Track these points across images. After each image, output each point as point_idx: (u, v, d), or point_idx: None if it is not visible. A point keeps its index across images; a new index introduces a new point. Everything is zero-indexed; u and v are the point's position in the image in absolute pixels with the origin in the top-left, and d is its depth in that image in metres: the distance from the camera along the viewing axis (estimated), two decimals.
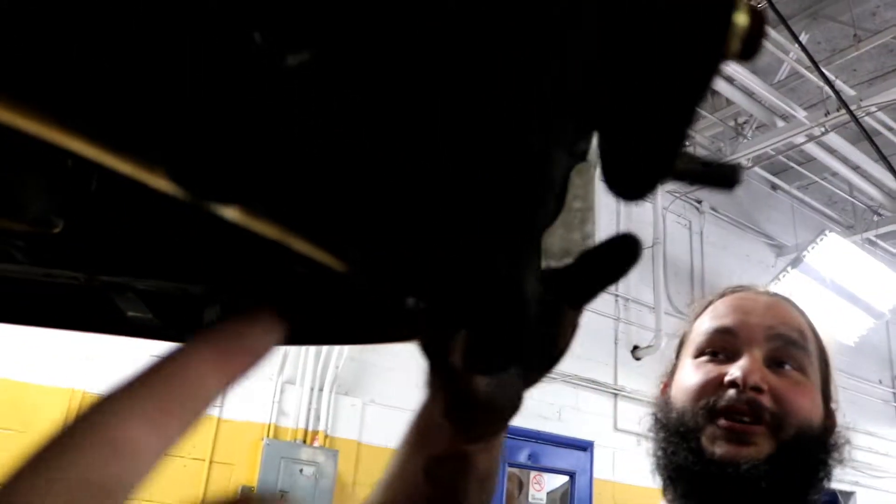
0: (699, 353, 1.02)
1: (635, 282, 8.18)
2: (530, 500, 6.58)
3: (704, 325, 1.05)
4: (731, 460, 0.91)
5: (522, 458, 6.69)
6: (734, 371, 0.94)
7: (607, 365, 7.60)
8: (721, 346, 1.00)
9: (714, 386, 0.96)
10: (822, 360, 1.08)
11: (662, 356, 7.49)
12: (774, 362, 0.98)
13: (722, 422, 0.93)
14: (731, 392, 0.93)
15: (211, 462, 5.46)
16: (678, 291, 8.65)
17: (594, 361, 7.46)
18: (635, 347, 7.89)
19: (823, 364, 1.07)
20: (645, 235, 8.10)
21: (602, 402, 7.41)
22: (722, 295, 1.11)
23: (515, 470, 6.69)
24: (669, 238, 8.68)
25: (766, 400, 0.94)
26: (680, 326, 1.18)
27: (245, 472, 5.55)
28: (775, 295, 1.09)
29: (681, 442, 0.95)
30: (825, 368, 1.08)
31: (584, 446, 7.06)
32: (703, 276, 9.04)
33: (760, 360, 0.96)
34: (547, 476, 6.78)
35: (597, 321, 7.61)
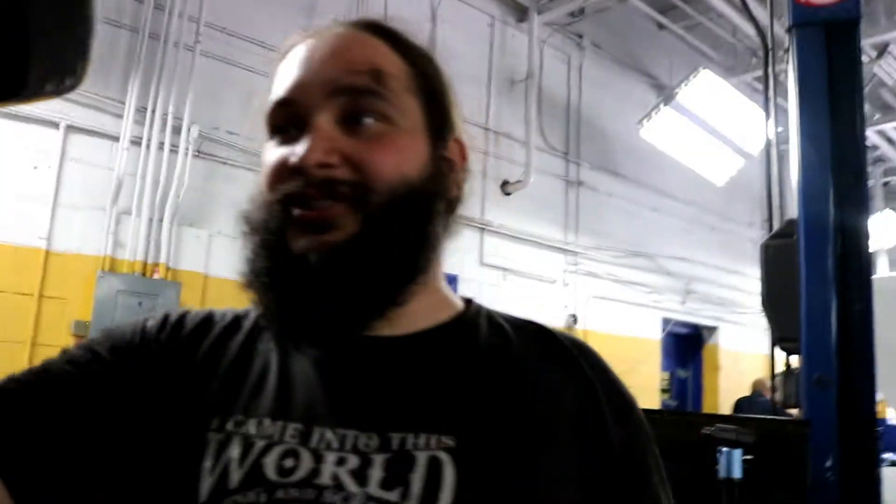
0: (270, 134, 0.85)
1: (507, 116, 7.97)
2: None
3: (272, 96, 0.85)
4: (306, 251, 0.77)
5: None
6: (297, 151, 0.79)
7: (473, 199, 7.45)
8: (284, 122, 0.83)
9: (283, 173, 0.80)
10: (428, 91, 0.88)
11: (530, 193, 7.41)
12: (349, 120, 0.81)
13: (296, 212, 0.78)
14: (302, 179, 0.78)
15: (41, 297, 5.14)
16: (552, 127, 8.51)
17: None
18: (505, 182, 7.78)
19: (430, 96, 0.88)
20: (519, 68, 7.84)
21: (468, 236, 7.33)
22: (294, 44, 0.89)
23: None
24: (546, 72, 8.44)
25: (340, 172, 0.78)
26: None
27: (79, 307, 5.26)
28: (347, 30, 0.87)
29: (265, 242, 0.81)
30: (435, 100, 0.89)
31: (449, 280, 7.00)
32: (580, 113, 8.92)
33: (330, 125, 0.79)
34: None
35: None
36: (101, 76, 5.52)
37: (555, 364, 0.87)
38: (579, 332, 7.96)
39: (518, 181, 7.72)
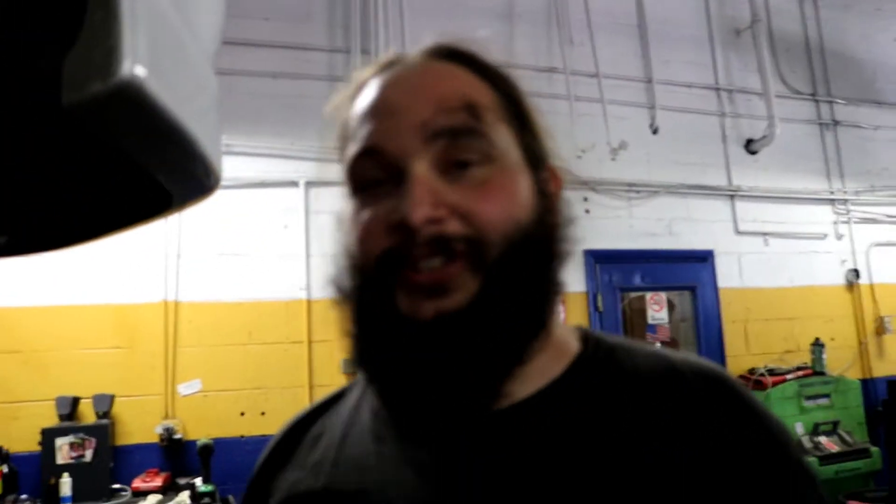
0: (357, 188, 0.77)
1: (737, 69, 7.37)
2: (650, 321, 6.28)
3: (351, 146, 0.78)
4: (427, 318, 0.70)
5: (636, 280, 6.35)
6: (400, 209, 0.70)
7: (717, 166, 6.97)
8: (373, 176, 0.75)
9: (383, 231, 0.73)
10: (519, 117, 0.79)
11: (779, 147, 6.78)
12: (449, 166, 0.73)
13: (410, 275, 0.71)
14: (406, 237, 0.70)
15: (310, 342, 5.55)
16: (792, 70, 7.74)
17: (701, 165, 6.87)
18: (749, 141, 7.18)
19: (522, 123, 0.79)
20: (741, 15, 7.23)
21: (717, 206, 6.84)
22: (366, 79, 0.80)
23: (630, 294, 6.38)
24: (774, 11, 7.70)
25: (451, 227, 0.71)
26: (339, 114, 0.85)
27: (343, 347, 5.59)
28: (427, 61, 0.79)
29: (370, 311, 0.75)
30: (527, 127, 0.80)
31: (703, 256, 6.60)
32: (823, 46, 8.02)
33: (430, 174, 0.71)
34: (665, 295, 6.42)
35: (697, 121, 6.96)
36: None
37: (679, 421, 0.74)
38: (864, 287, 7.14)
39: (763, 137, 7.09)
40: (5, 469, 4.81)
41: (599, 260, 6.18)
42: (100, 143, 0.82)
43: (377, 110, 0.75)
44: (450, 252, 0.70)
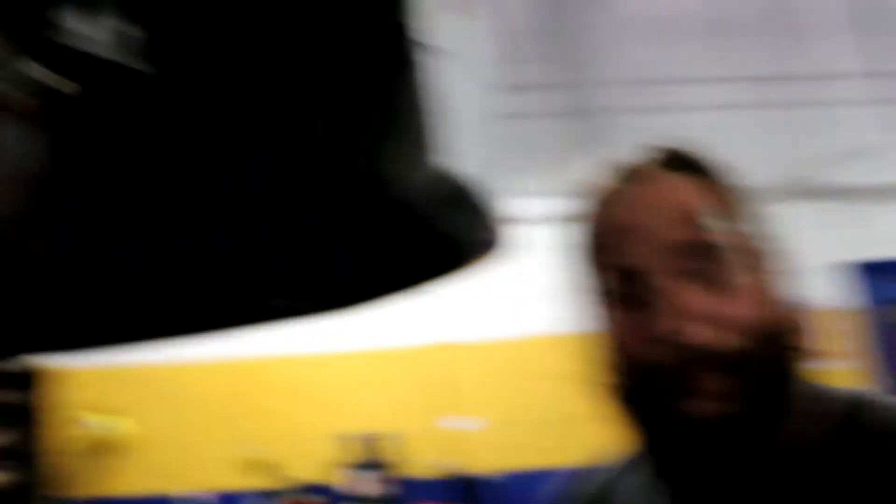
0: (604, 296, 0.83)
1: None
2: None
3: (593, 268, 0.85)
4: (709, 420, 0.75)
5: None
6: (659, 325, 0.76)
7: None
8: (624, 291, 0.80)
9: (644, 343, 0.78)
10: (747, 216, 0.84)
11: None
12: (699, 277, 0.77)
13: (680, 382, 0.76)
14: (671, 350, 0.75)
15: None
16: None
17: None
18: None
19: (751, 221, 0.84)
20: None
21: None
22: (599, 209, 0.86)
23: None
24: None
25: (710, 337, 0.75)
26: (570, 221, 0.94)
27: None
28: (661, 175, 0.83)
29: (645, 398, 0.80)
30: (755, 223, 0.85)
31: None
32: None
33: (682, 287, 0.76)
34: None
35: None
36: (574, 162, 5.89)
37: None
38: None
39: None
40: (302, 499, 5.27)
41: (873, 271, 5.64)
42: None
43: (620, 230, 0.81)
44: (716, 365, 0.74)
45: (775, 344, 0.77)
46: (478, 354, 5.52)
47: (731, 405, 0.74)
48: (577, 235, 0.88)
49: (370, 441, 5.37)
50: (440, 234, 0.99)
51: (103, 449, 5.64)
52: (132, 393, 5.68)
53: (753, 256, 0.81)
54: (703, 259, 0.77)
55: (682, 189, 0.81)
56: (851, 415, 0.85)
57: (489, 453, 5.36)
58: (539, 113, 5.81)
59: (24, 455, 6.44)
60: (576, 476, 1.01)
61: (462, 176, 0.79)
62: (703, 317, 0.74)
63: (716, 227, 0.78)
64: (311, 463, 5.39)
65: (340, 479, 5.19)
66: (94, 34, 0.77)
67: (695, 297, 0.75)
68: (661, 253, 0.77)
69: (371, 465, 5.23)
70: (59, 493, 5.68)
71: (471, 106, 0.96)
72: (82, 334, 1.57)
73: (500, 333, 5.53)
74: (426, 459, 5.37)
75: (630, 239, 0.79)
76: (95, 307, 1.43)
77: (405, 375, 5.53)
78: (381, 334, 5.52)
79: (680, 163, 0.84)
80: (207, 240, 1.23)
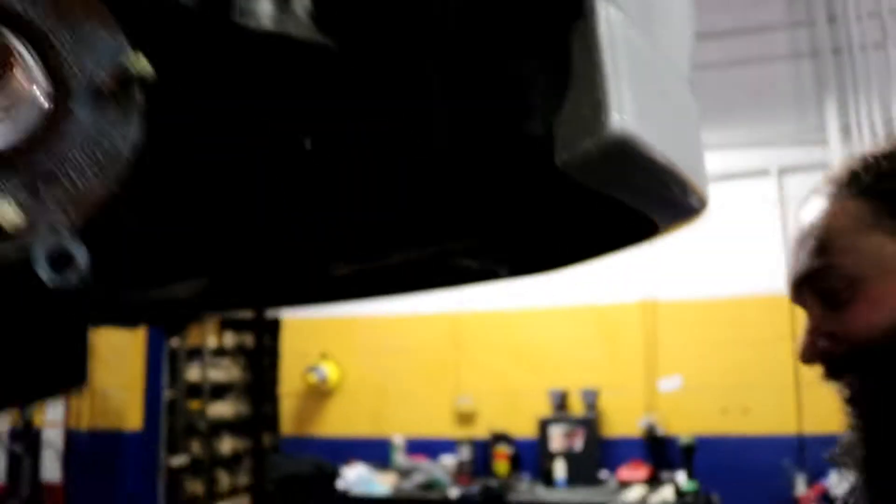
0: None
1: None
2: None
3: None
4: None
5: None
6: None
7: None
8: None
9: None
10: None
11: None
12: (828, 299, 0.83)
13: None
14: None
15: None
16: None
17: None
18: None
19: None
20: None
21: None
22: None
23: None
24: None
25: (835, 346, 0.81)
26: None
27: None
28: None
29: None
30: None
31: None
32: None
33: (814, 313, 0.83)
34: None
35: None
36: (795, 111, 5.47)
37: None
38: None
39: None
40: (510, 451, 5.39)
41: None
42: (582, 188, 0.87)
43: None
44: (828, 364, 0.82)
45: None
46: (679, 313, 5.33)
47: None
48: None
49: (574, 396, 5.37)
50: (622, 205, 0.94)
51: (325, 393, 6.06)
52: (353, 342, 6.05)
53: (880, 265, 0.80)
54: (833, 284, 0.81)
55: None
56: None
57: (683, 415, 5.18)
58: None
59: (258, 392, 7.08)
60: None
61: (636, 138, 0.73)
62: (836, 331, 0.80)
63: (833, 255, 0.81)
64: (519, 416, 5.48)
65: (547, 434, 5.24)
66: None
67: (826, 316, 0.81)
68: (802, 282, 0.84)
69: (574, 420, 5.23)
70: (290, 432, 6.19)
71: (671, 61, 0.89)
72: (313, 289, 1.69)
73: (710, 292, 5.29)
74: (627, 418, 5.29)
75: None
76: (319, 266, 1.53)
77: (612, 332, 5.45)
78: (591, 291, 5.47)
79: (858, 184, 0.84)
80: (403, 204, 1.27)
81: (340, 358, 6.01)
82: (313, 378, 5.92)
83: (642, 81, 0.76)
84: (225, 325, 7.32)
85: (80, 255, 0.53)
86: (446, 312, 5.74)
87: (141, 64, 0.42)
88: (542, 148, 0.73)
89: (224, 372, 7.24)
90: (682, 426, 5.11)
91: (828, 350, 0.81)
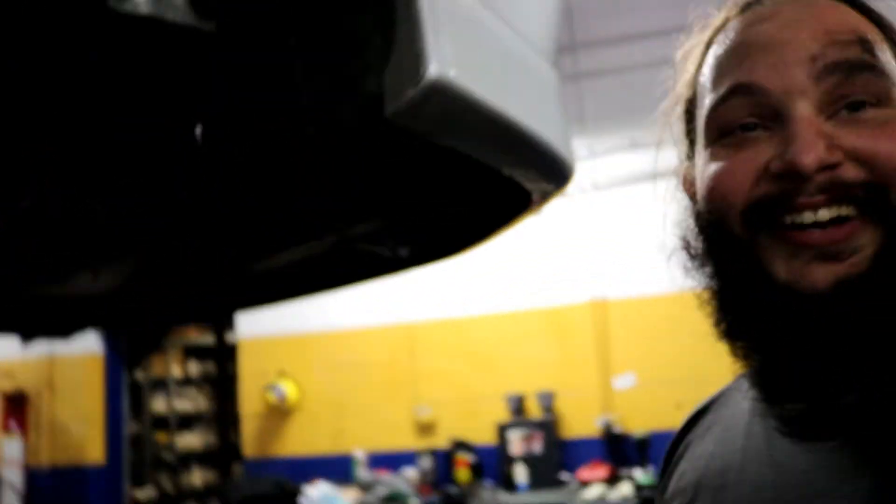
0: (718, 135, 0.67)
1: None
2: None
3: (713, 88, 0.68)
4: (819, 286, 0.59)
5: None
6: (783, 154, 0.61)
7: None
8: (741, 119, 0.65)
9: (754, 182, 0.63)
10: None
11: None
12: (839, 106, 0.62)
13: (792, 234, 0.61)
14: (788, 186, 0.61)
15: None
16: None
17: None
18: None
19: None
20: None
21: None
22: (725, 21, 0.71)
23: None
24: None
25: (849, 172, 0.60)
26: (673, 79, 0.79)
27: None
28: (809, 5, 0.67)
29: (730, 269, 0.66)
30: None
31: None
32: None
33: (814, 115, 0.61)
34: None
35: None
36: None
37: None
38: None
39: None
40: (471, 459, 5.42)
41: None
42: (450, 154, 0.92)
43: (751, 46, 0.65)
44: (847, 198, 0.59)
45: None
46: (630, 311, 5.42)
47: (854, 264, 0.59)
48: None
49: (531, 400, 5.43)
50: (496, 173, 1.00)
51: (285, 413, 6.05)
52: (307, 359, 6.05)
53: None
54: (855, 87, 0.62)
55: (837, 9, 0.67)
56: None
57: (639, 412, 5.26)
58: None
59: (224, 421, 7.04)
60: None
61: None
62: (842, 149, 0.60)
63: (877, 57, 0.63)
64: (478, 423, 5.52)
65: (506, 439, 5.28)
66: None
67: (837, 129, 0.61)
68: (801, 70, 0.62)
69: (532, 424, 5.28)
70: (252, 454, 6.16)
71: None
72: (237, 290, 1.73)
73: (657, 289, 5.40)
74: (585, 418, 5.36)
75: (763, 55, 0.64)
76: (235, 264, 1.57)
77: (564, 333, 5.53)
78: (543, 294, 5.55)
79: None
80: (296, 192, 1.32)
81: (298, 375, 6.01)
82: (272, 397, 5.91)
83: (467, 38, 0.82)
84: (188, 353, 7.30)
85: None
86: (401, 323, 5.78)
87: None
88: (373, 103, 0.78)
89: (190, 402, 7.20)
90: (638, 423, 5.19)
91: (859, 179, 0.60)
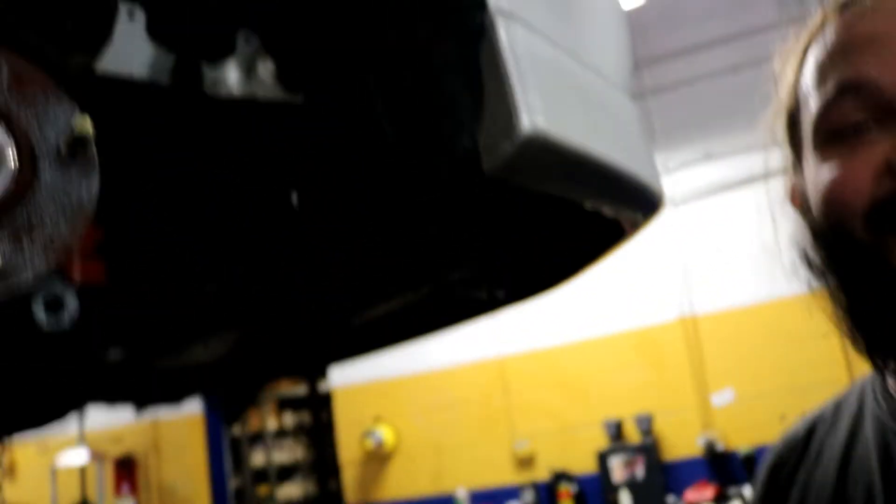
0: (828, 138, 0.64)
1: None
2: None
3: (817, 90, 0.66)
4: None
5: None
6: None
7: None
8: (858, 114, 0.62)
9: (873, 180, 0.60)
10: None
11: None
12: None
13: None
14: None
15: None
16: None
17: None
18: None
19: None
20: None
21: None
22: (823, 22, 0.68)
23: None
24: None
25: None
26: (773, 88, 0.77)
27: None
28: None
29: (857, 279, 0.63)
30: None
31: None
32: None
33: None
34: None
35: None
36: None
37: None
38: None
39: None
40: (573, 489, 5.35)
41: None
42: (540, 197, 0.94)
43: (857, 42, 0.63)
44: None
45: None
46: (721, 324, 5.30)
47: None
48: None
49: (629, 424, 5.34)
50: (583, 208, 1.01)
51: (384, 457, 6.10)
52: (401, 403, 6.10)
53: None
54: None
55: None
56: None
57: (741, 427, 5.11)
58: None
59: (323, 469, 7.13)
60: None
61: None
62: None
63: None
64: (577, 452, 5.46)
65: (607, 466, 5.20)
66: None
67: None
68: None
69: (632, 448, 5.20)
70: (354, 501, 6.21)
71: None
72: (338, 344, 1.78)
73: (746, 299, 5.27)
74: (685, 438, 5.24)
75: (872, 50, 0.62)
76: (339, 319, 1.61)
77: (656, 354, 5.44)
78: (630, 316, 5.49)
79: None
80: (394, 245, 1.36)
81: (394, 419, 6.06)
82: (370, 443, 5.96)
83: (551, 84, 0.85)
84: (283, 405, 7.43)
85: (71, 299, 0.63)
86: (491, 358, 5.79)
87: (83, 126, 0.52)
88: (469, 161, 0.81)
89: (288, 453, 7.32)
90: (742, 439, 5.05)
91: None
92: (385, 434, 5.97)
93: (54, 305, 0.61)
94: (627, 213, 1.11)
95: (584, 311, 5.55)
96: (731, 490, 4.84)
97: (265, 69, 0.97)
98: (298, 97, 0.97)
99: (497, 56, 0.78)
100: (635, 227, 1.18)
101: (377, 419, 6.05)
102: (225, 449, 6.93)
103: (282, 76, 0.97)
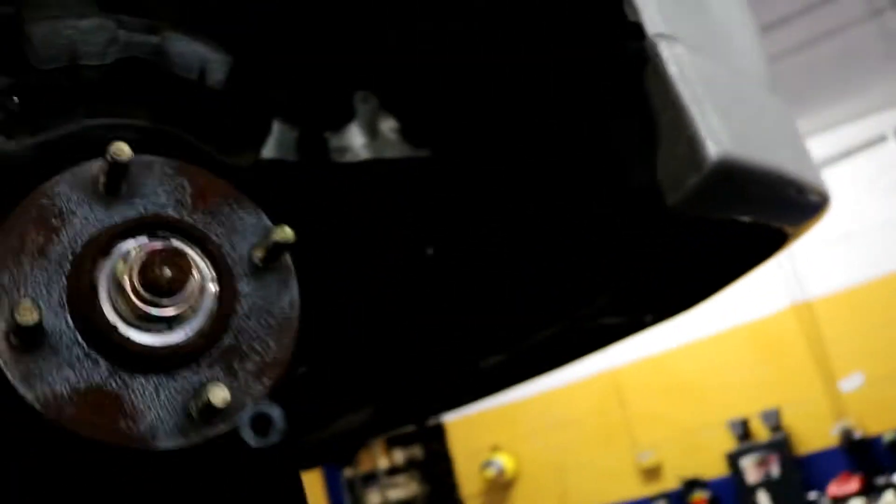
0: None
1: None
2: None
3: None
4: None
5: None
6: None
7: None
8: None
9: None
10: None
11: None
12: None
13: None
14: None
15: None
16: None
17: None
18: None
19: None
20: None
21: None
22: None
23: None
24: None
25: None
26: None
27: None
28: None
29: None
30: None
31: None
32: None
33: None
34: None
35: None
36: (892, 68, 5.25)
37: None
38: None
39: None
40: (707, 495, 5.16)
41: None
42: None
43: None
44: None
45: None
46: (838, 306, 5.06)
47: None
48: None
49: (755, 421, 5.13)
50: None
51: (506, 485, 6.01)
52: (517, 427, 6.01)
53: None
54: None
55: None
56: None
57: (877, 411, 4.84)
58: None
59: (439, 502, 7.10)
60: None
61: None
62: None
63: None
64: (705, 457, 5.27)
65: (739, 468, 5.00)
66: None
67: None
68: None
69: (763, 446, 4.98)
70: None
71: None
72: (468, 388, 1.74)
73: (857, 277, 5.02)
74: (818, 430, 4.99)
75: None
76: (468, 365, 1.58)
77: (773, 345, 5.23)
78: (740, 310, 5.29)
79: None
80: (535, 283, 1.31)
81: (512, 446, 5.98)
82: (490, 472, 5.89)
83: (723, 102, 0.78)
84: (391, 443, 7.43)
85: (278, 416, 0.58)
86: (604, 371, 5.65)
87: (284, 233, 0.48)
88: (646, 194, 0.75)
89: (402, 489, 7.30)
90: (881, 423, 4.78)
91: None
92: (505, 461, 5.89)
93: (263, 425, 0.57)
94: (796, 220, 1.03)
95: (691, 310, 5.37)
96: (880, 479, 4.57)
97: (388, 127, 0.93)
98: (425, 151, 0.93)
99: (666, 82, 0.71)
100: (799, 230, 1.10)
101: (494, 447, 5.97)
102: (344, 493, 6.96)
103: (407, 130, 0.93)
